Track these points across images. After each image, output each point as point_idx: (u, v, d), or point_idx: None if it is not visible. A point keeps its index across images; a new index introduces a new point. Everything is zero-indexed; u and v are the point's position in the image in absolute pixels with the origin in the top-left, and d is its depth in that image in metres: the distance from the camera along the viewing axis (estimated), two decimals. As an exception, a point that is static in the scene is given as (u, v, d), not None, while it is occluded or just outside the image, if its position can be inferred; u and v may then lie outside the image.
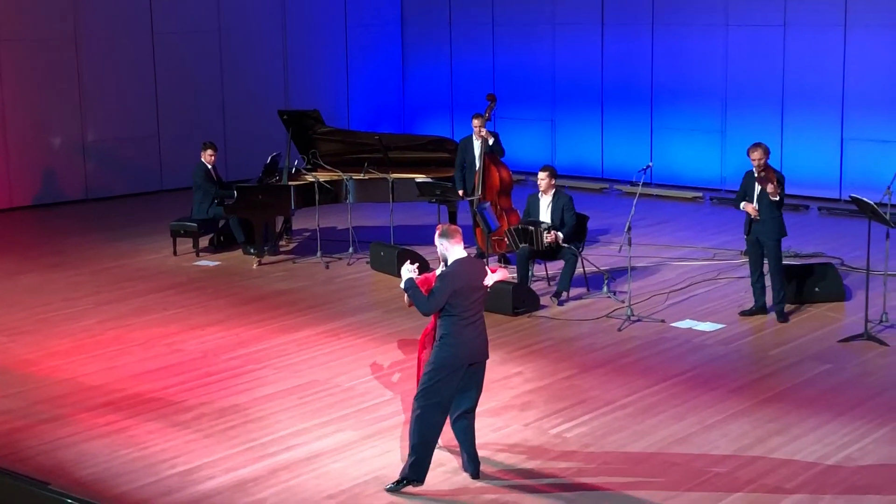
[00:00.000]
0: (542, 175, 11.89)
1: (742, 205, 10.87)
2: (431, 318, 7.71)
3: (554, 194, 11.87)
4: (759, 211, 10.71)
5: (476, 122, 13.22)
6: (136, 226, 15.98)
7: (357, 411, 8.77)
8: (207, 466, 7.80)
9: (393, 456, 7.88)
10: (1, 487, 7.63)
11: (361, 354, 10.17)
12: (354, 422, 8.54)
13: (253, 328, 11.03)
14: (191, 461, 7.89)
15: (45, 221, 16.64)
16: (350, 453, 7.97)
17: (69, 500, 7.28)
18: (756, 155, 10.68)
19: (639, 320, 10.91)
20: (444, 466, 7.67)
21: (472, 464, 7.52)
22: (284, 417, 8.68)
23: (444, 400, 7.27)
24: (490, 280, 7.63)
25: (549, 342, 10.45)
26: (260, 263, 13.60)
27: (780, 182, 10.61)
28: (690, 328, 10.73)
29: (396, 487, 7.35)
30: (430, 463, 7.31)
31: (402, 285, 7.40)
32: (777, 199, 10.60)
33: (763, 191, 10.65)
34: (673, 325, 10.84)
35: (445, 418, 7.36)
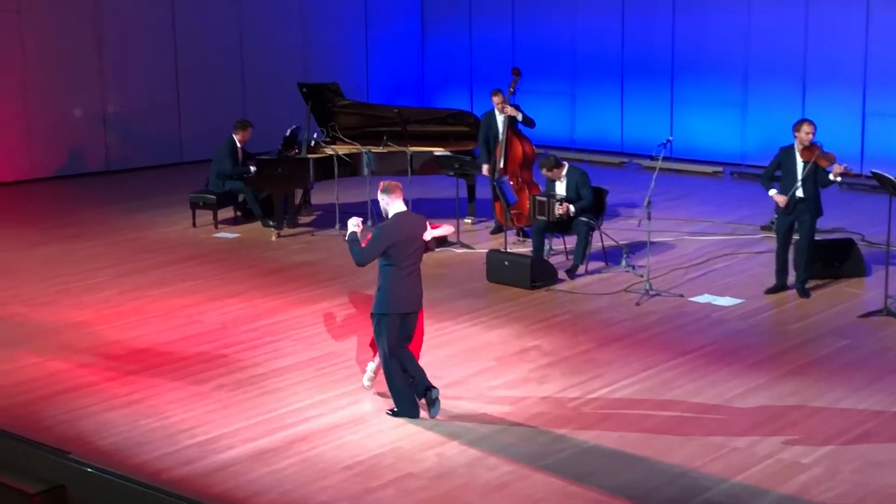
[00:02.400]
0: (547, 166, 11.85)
1: (772, 193, 10.63)
2: None
3: (567, 171, 11.82)
4: (804, 188, 10.54)
5: (496, 98, 13.21)
6: (156, 197, 16.02)
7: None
8: (226, 437, 7.85)
9: (409, 428, 7.90)
10: (23, 455, 7.71)
11: (379, 327, 10.18)
12: (371, 394, 8.57)
13: (271, 300, 11.06)
14: (210, 431, 7.94)
15: (66, 193, 16.69)
16: (367, 425, 8.00)
17: (89, 469, 7.35)
18: (809, 128, 10.46)
19: (657, 294, 10.89)
20: (459, 439, 7.71)
21: (420, 384, 7.92)
22: (301, 389, 8.71)
23: (390, 345, 7.86)
24: (429, 235, 8.04)
25: (566, 316, 10.45)
26: (279, 236, 13.64)
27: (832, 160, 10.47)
28: (709, 303, 10.71)
29: (393, 414, 8.06)
30: (412, 397, 7.98)
31: (345, 238, 7.94)
32: (840, 179, 10.52)
33: (811, 168, 10.46)
34: (691, 299, 10.82)
35: (396, 361, 7.90)
